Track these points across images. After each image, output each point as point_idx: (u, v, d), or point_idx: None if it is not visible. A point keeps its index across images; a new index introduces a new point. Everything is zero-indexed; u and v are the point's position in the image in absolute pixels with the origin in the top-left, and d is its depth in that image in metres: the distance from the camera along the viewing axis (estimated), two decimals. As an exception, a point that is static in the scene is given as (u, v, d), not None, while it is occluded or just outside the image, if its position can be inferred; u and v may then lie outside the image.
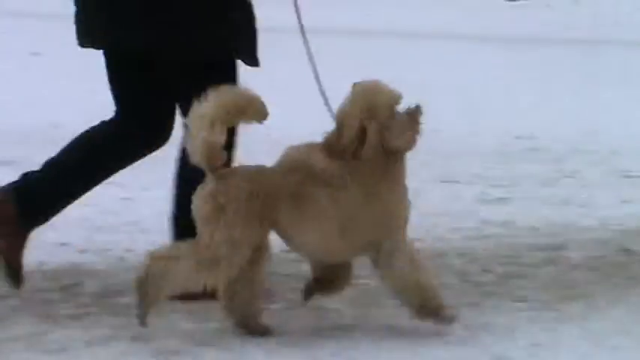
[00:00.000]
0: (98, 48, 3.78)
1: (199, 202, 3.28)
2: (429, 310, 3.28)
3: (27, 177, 3.72)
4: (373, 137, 3.24)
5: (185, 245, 3.29)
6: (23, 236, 3.68)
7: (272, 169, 3.34)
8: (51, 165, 3.74)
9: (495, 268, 4.07)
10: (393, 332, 3.33)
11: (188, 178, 3.47)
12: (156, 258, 3.24)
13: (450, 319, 3.31)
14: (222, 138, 3.22)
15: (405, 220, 3.33)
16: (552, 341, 3.28)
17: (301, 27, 3.67)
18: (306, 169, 3.28)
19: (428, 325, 3.26)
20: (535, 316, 3.52)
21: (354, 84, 3.35)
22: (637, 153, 6.44)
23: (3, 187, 3.70)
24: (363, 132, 3.25)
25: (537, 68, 10.54)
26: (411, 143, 3.29)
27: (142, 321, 3.23)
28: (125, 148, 3.77)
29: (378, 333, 3.32)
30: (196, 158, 3.27)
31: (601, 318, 3.49)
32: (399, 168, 3.32)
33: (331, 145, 3.29)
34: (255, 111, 3.28)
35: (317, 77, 3.59)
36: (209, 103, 3.23)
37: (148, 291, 3.22)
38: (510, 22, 15.73)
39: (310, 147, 3.33)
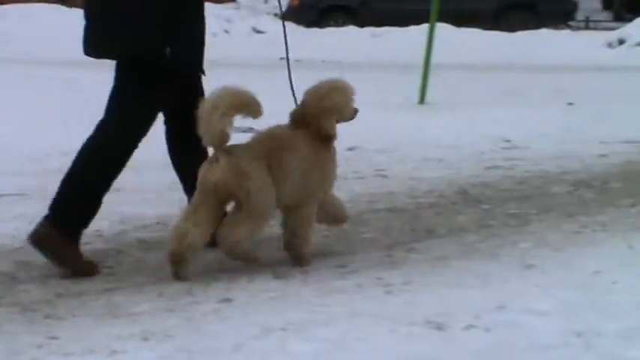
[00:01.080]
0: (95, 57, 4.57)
1: (220, 175, 4.20)
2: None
3: (53, 204, 4.42)
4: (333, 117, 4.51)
5: (232, 215, 4.27)
6: (77, 247, 4.42)
7: (254, 141, 4.38)
8: (65, 182, 4.45)
9: None
10: None
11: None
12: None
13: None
14: (229, 125, 4.16)
15: (334, 180, 4.67)
16: None
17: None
18: (281, 138, 4.39)
19: None
20: None
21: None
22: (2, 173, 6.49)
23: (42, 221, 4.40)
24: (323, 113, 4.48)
25: None
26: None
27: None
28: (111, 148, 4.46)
29: None
30: (208, 140, 4.19)
31: None
32: (332, 144, 4.59)
33: (297, 120, 4.50)
34: (254, 109, 4.25)
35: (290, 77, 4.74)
36: (220, 97, 4.16)
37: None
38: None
39: (279, 126, 4.50)
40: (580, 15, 22.23)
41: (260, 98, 4.26)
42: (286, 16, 20.02)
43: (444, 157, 7.48)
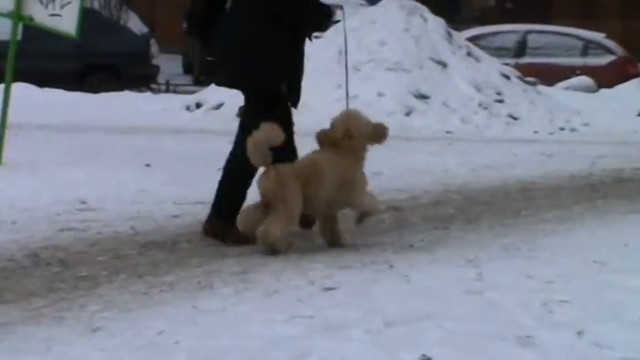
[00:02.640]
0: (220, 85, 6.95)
1: (268, 184, 5.94)
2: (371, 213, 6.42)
3: (214, 203, 6.52)
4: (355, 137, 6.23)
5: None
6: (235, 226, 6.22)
7: (296, 163, 6.21)
8: (219, 186, 6.55)
9: None
10: None
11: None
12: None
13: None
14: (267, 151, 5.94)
15: (365, 185, 6.31)
16: None
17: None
18: (315, 162, 6.14)
19: None
20: None
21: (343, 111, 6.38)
22: None
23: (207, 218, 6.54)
24: (347, 134, 6.19)
25: None
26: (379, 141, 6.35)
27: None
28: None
29: None
30: (257, 163, 6.04)
31: None
32: (363, 159, 6.32)
33: (324, 140, 6.26)
34: (279, 139, 5.95)
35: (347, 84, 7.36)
36: (259, 132, 5.91)
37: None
38: None
39: (314, 152, 6.28)
40: (161, 78, 22.69)
41: None
42: None
43: (17, 220, 7.32)
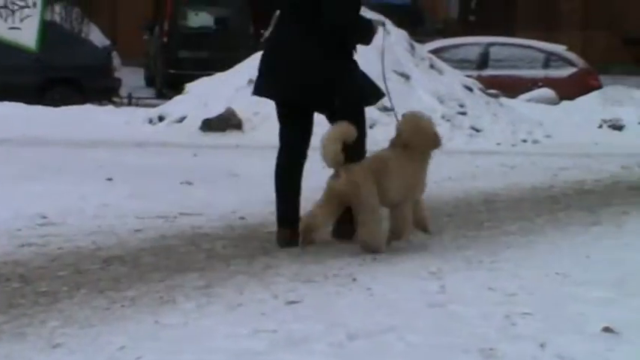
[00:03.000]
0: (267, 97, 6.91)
1: (340, 186, 6.21)
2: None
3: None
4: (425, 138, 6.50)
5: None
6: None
7: (366, 161, 6.43)
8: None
9: None
10: None
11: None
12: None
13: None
14: (339, 150, 6.13)
15: (420, 193, 6.62)
16: None
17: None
18: (383, 159, 6.41)
19: None
20: None
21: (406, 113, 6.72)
22: None
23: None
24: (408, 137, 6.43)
25: None
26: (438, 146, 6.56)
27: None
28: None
29: None
30: (329, 163, 6.22)
31: None
32: (428, 160, 6.54)
33: (395, 142, 6.48)
34: (352, 135, 6.19)
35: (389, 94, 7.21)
36: (333, 132, 6.19)
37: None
38: None
39: (382, 150, 6.53)
40: (123, 91, 22.57)
41: None
42: None
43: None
